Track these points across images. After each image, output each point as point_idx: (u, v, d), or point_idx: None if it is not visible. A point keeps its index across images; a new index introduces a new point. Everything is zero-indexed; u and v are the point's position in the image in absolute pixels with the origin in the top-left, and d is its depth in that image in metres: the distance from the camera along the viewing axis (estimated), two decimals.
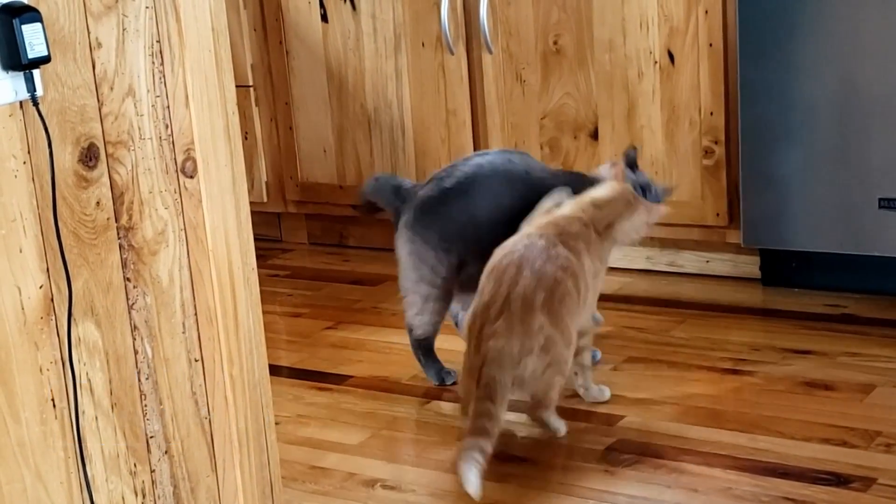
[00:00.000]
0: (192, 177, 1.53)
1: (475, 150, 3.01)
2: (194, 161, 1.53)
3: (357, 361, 2.57)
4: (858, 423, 2.09)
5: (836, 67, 2.51)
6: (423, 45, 3.01)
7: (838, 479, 1.92)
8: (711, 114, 2.68)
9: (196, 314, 1.56)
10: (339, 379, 2.48)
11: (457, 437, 2.18)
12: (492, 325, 2.02)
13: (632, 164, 2.34)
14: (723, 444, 2.06)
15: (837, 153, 2.54)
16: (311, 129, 3.24)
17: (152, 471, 1.52)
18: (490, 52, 2.90)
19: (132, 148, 1.46)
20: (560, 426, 2.15)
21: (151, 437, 1.52)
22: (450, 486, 2.01)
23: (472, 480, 1.88)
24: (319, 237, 3.43)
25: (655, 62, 2.71)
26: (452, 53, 2.96)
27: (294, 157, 3.29)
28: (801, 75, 2.54)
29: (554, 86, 2.85)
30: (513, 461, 2.08)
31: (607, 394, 2.27)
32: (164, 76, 1.49)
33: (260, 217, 3.37)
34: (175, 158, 1.51)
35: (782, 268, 2.74)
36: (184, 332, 1.54)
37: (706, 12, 2.63)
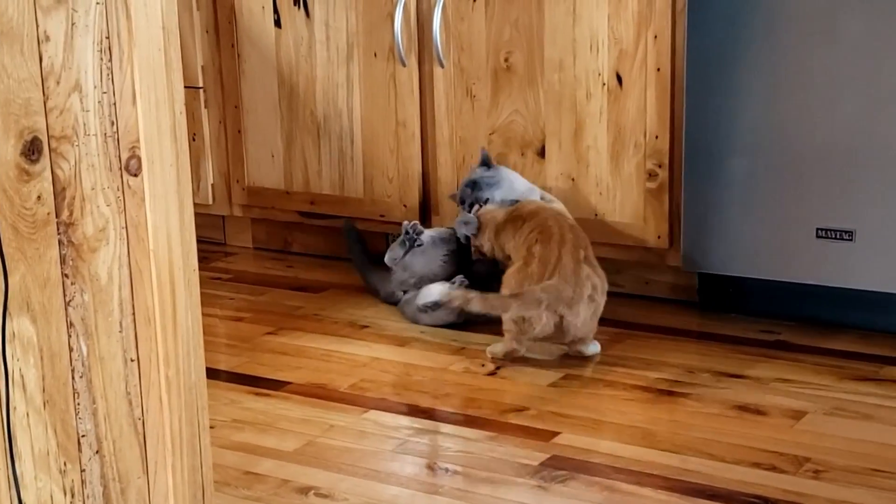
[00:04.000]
0: (136, 175, 1.53)
1: (423, 162, 3.03)
2: (139, 159, 1.52)
3: (296, 368, 2.56)
4: (788, 448, 2.12)
5: (780, 99, 2.55)
6: (375, 55, 3.01)
7: (766, 503, 1.95)
8: (656, 137, 2.71)
9: (134, 314, 1.54)
10: (277, 385, 2.48)
11: (393, 448, 2.18)
12: (551, 273, 2.42)
13: (485, 163, 2.76)
14: (654, 464, 2.08)
15: (778, 182, 2.59)
16: (260, 134, 3.23)
17: (82, 470, 1.51)
18: (442, 65, 2.92)
19: (76, 143, 1.45)
20: (596, 347, 2.52)
21: (83, 436, 1.50)
22: (384, 496, 2.01)
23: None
24: (264, 242, 3.42)
25: (604, 84, 2.74)
26: (404, 65, 2.97)
27: (242, 161, 3.27)
28: (746, 104, 2.58)
29: (503, 102, 2.87)
30: (445, 473, 2.09)
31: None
32: (111, 73, 1.48)
33: (204, 219, 3.35)
34: (119, 156, 1.50)
35: (720, 292, 2.78)
36: (121, 332, 1.53)
37: (655, 37, 2.67)
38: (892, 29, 2.42)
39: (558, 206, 2.68)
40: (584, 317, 2.44)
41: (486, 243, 2.66)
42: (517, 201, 2.68)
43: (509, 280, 2.50)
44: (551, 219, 2.55)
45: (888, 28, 2.43)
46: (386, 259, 2.83)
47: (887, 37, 2.43)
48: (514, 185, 2.75)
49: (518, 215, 2.61)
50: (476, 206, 2.73)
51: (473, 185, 2.76)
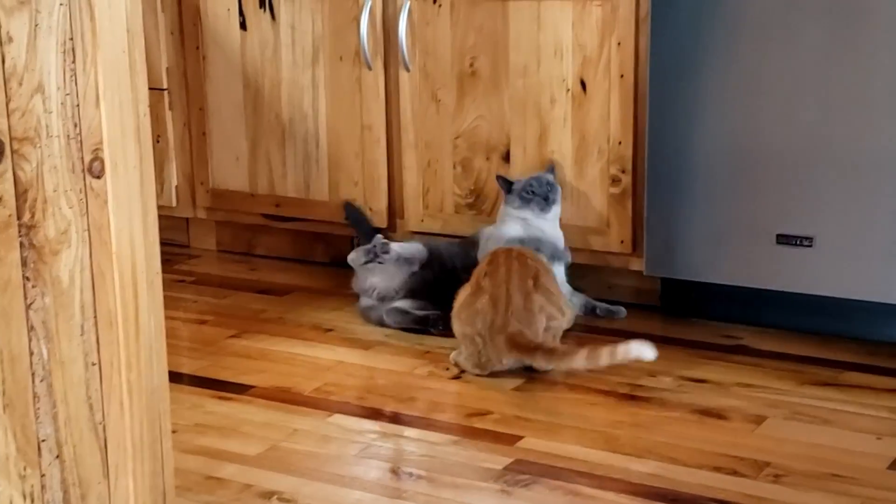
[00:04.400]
0: (99, 177, 1.52)
1: (389, 165, 3.03)
2: (102, 161, 1.51)
3: (260, 371, 2.55)
4: (749, 452, 2.14)
5: (741, 106, 2.58)
6: (340, 58, 3.01)
7: None
8: (620, 143, 2.73)
9: (96, 317, 1.53)
10: (240, 388, 2.47)
11: (357, 452, 2.18)
12: (504, 316, 2.39)
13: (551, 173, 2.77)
14: (617, 468, 2.10)
15: (739, 189, 2.61)
16: (225, 136, 3.22)
17: (42, 475, 1.50)
18: (407, 69, 2.92)
19: (39, 145, 1.44)
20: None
21: (43, 440, 1.49)
22: (348, 501, 2.01)
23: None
24: (228, 245, 3.40)
25: (568, 90, 2.76)
26: (370, 69, 2.97)
27: (206, 163, 3.26)
28: (708, 111, 2.61)
29: (468, 107, 2.88)
30: (408, 477, 2.09)
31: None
32: (75, 74, 1.47)
33: (168, 221, 3.34)
34: (82, 158, 1.49)
35: (682, 297, 2.80)
36: (82, 335, 1.52)
37: (619, 44, 2.68)
38: (850, 38, 2.46)
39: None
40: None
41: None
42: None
43: (460, 310, 2.49)
44: (502, 249, 2.53)
45: (846, 37, 2.46)
46: (349, 259, 2.83)
47: (845, 45, 2.46)
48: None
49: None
50: (546, 200, 2.70)
51: (551, 186, 2.73)
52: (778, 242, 2.59)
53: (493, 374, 2.47)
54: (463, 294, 2.51)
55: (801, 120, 2.53)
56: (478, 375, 2.48)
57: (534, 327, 2.42)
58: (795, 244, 2.57)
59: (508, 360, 2.43)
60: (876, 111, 2.46)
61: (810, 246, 2.56)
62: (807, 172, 2.54)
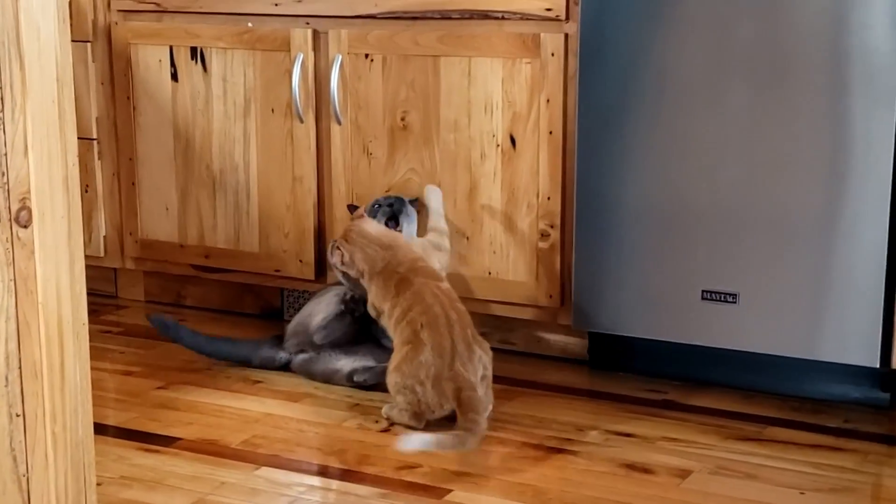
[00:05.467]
0: (26, 227, 1.50)
1: (318, 216, 3.04)
2: (29, 211, 1.50)
3: (187, 423, 2.52)
4: None
5: (668, 164, 2.64)
6: (272, 111, 3.02)
7: None
8: (549, 198, 2.77)
9: (20, 368, 1.51)
10: (167, 441, 2.44)
11: None
12: (451, 365, 2.42)
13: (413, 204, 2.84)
14: None
15: (665, 245, 2.66)
16: (155, 187, 3.21)
17: None
18: (339, 122, 2.94)
19: None
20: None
21: None
22: None
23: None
24: (156, 295, 3.37)
25: (498, 145, 2.80)
26: (302, 121, 2.98)
27: (135, 214, 3.24)
28: (635, 169, 2.66)
29: (399, 160, 2.91)
30: None
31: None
32: (3, 123, 1.46)
33: (96, 272, 3.30)
34: (9, 207, 1.48)
35: (609, 351, 2.83)
36: (6, 386, 1.50)
37: (548, 101, 2.73)
38: (773, 99, 2.53)
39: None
40: (480, 394, 2.44)
41: (358, 262, 2.61)
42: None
43: (401, 364, 2.46)
44: (430, 296, 2.49)
45: (770, 99, 2.53)
46: (320, 322, 2.79)
47: (769, 107, 2.53)
48: (414, 238, 2.80)
49: (395, 270, 2.56)
50: (392, 220, 2.76)
51: (400, 201, 2.78)
52: (703, 298, 2.63)
53: (425, 427, 2.47)
54: (402, 349, 2.49)
55: (725, 179, 2.59)
56: (412, 428, 2.47)
57: (475, 376, 2.43)
58: (720, 300, 2.62)
59: (448, 407, 2.43)
60: (798, 172, 2.53)
61: (734, 302, 2.61)
62: (731, 230, 2.60)
